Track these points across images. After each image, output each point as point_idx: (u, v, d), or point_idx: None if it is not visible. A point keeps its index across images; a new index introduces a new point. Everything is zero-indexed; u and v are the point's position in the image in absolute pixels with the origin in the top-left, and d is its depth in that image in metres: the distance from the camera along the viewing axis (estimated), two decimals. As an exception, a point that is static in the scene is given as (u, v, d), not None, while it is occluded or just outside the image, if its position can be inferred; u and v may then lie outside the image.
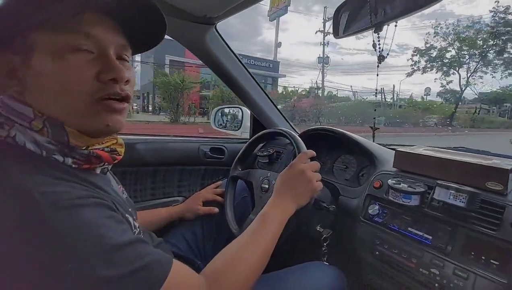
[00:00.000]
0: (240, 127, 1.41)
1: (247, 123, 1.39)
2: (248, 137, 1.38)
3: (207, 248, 0.90)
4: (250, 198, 1.03)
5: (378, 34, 0.54)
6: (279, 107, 1.33)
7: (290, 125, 1.34)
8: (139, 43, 0.50)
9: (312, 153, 0.72)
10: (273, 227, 0.59)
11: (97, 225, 0.36)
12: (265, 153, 1.14)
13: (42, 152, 0.39)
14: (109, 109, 0.43)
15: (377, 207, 0.76)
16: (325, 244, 0.81)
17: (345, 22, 0.62)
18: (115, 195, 0.48)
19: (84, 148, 0.43)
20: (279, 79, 23.42)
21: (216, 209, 0.94)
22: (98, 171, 0.47)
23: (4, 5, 0.37)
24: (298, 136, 0.82)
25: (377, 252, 0.73)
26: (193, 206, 0.93)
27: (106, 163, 0.47)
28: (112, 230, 0.37)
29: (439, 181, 0.63)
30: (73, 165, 0.41)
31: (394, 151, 0.81)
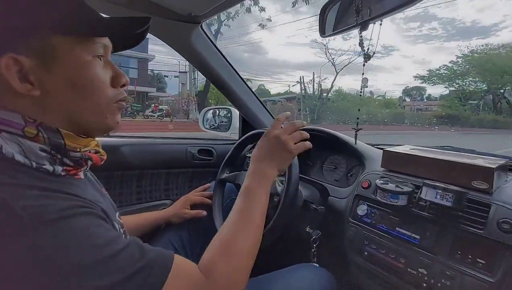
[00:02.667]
0: (229, 128, 1.39)
1: (236, 124, 1.37)
2: (237, 138, 1.36)
3: (195, 253, 0.88)
4: None
5: (360, 33, 0.54)
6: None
7: None
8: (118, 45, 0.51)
9: (287, 114, 0.69)
10: (259, 200, 0.56)
11: (86, 236, 0.35)
12: (254, 154, 1.13)
13: (31, 163, 0.37)
14: (121, 109, 0.48)
15: (365, 207, 0.76)
16: (314, 245, 0.80)
17: (331, 21, 0.61)
18: (102, 199, 0.48)
19: (78, 150, 0.43)
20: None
21: (204, 213, 0.92)
22: (82, 175, 0.46)
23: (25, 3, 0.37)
24: None
25: (365, 253, 0.73)
26: (180, 210, 0.91)
27: (91, 165, 0.48)
28: (103, 239, 0.36)
29: (426, 181, 0.63)
30: (62, 173, 0.41)
31: (382, 151, 0.81)
